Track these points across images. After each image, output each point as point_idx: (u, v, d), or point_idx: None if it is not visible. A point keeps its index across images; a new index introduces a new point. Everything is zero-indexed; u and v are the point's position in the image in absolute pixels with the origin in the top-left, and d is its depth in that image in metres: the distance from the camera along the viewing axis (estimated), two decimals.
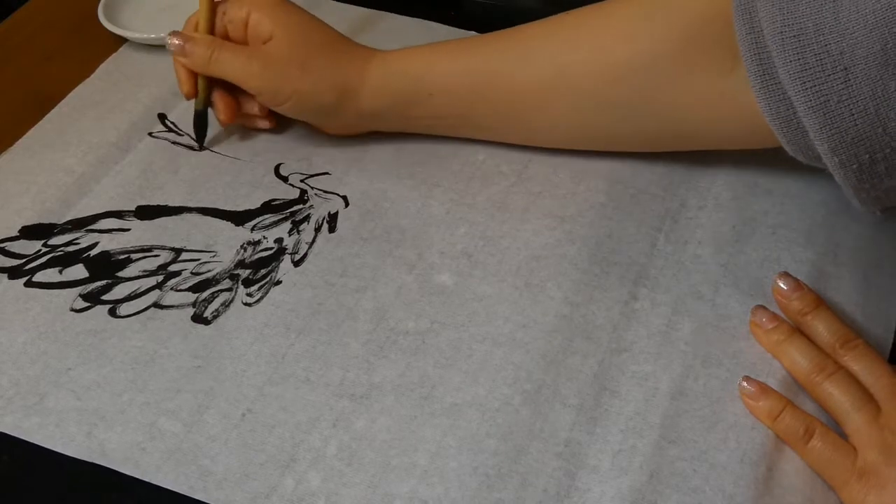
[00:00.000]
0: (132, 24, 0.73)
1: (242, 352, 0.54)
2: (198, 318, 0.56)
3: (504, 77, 0.59)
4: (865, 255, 0.58)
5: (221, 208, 0.62)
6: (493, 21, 0.66)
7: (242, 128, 0.67)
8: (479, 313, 0.56)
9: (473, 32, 0.73)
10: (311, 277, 0.58)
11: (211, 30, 0.62)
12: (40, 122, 0.67)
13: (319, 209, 0.61)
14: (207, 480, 0.49)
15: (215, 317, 0.56)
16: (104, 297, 0.57)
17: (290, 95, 0.60)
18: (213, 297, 0.57)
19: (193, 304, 0.56)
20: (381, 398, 0.52)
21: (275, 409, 0.51)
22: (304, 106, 0.61)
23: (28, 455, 0.50)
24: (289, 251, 0.59)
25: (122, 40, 0.73)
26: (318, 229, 0.60)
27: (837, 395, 0.49)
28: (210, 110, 0.65)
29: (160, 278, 0.58)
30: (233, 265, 0.58)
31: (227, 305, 0.56)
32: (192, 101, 0.64)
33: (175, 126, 0.67)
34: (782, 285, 0.54)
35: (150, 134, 0.66)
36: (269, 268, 0.58)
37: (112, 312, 0.56)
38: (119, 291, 0.57)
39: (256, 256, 0.59)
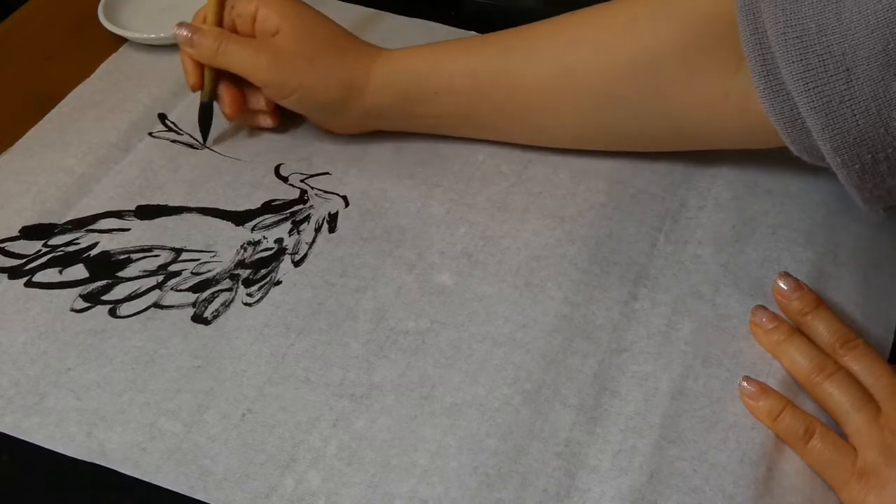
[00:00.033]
0: (132, 24, 0.73)
1: (242, 352, 0.54)
2: (198, 318, 0.56)
3: (509, 76, 0.59)
4: (865, 255, 0.58)
5: (222, 208, 0.61)
6: (493, 21, 0.66)
7: (243, 128, 0.67)
8: (479, 313, 0.56)
9: (473, 32, 0.73)
10: (311, 277, 0.58)
11: (219, 23, 0.62)
12: (40, 122, 0.67)
13: (319, 209, 0.61)
14: (207, 480, 0.49)
15: (215, 317, 0.56)
16: (104, 298, 0.57)
17: (296, 88, 0.60)
18: (214, 297, 0.57)
19: (193, 304, 0.56)
20: (381, 398, 0.52)
21: (275, 409, 0.51)
22: (309, 100, 0.61)
23: (28, 455, 0.50)
24: (289, 251, 0.59)
25: (122, 40, 0.73)
26: (318, 229, 0.60)
27: (837, 395, 0.49)
28: (215, 105, 0.64)
29: (160, 278, 0.58)
30: (233, 265, 0.58)
31: (228, 305, 0.56)
32: (195, 99, 0.64)
33: (175, 126, 0.67)
34: (782, 285, 0.54)
35: (150, 134, 0.66)
36: (270, 268, 0.58)
37: (112, 312, 0.56)
38: (119, 291, 0.57)
39: (256, 256, 0.59)
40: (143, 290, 0.57)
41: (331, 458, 0.49)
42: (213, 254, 0.59)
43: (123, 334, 0.55)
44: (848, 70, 0.45)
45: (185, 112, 0.66)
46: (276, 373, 0.53)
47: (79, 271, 0.58)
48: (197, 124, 0.65)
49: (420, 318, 0.55)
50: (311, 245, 0.59)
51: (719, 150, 0.62)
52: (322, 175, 0.64)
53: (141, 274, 0.58)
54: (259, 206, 0.62)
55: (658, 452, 0.49)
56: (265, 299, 0.56)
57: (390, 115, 0.63)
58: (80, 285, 0.57)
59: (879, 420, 0.48)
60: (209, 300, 0.56)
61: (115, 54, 0.73)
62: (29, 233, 0.60)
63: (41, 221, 0.61)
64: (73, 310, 0.56)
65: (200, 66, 0.62)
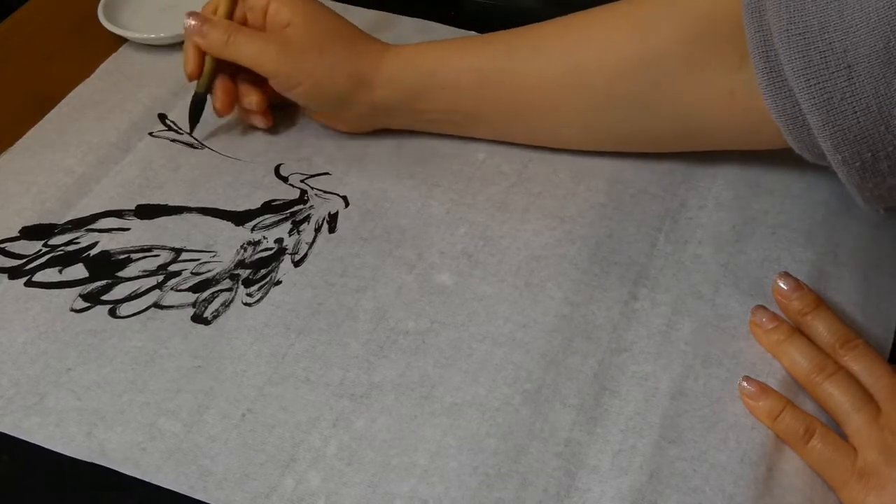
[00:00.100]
0: (132, 24, 0.73)
1: (242, 352, 0.54)
2: (198, 318, 0.56)
3: (514, 75, 0.60)
4: (865, 255, 0.58)
5: (221, 208, 0.61)
6: (493, 21, 0.66)
7: (243, 128, 0.67)
8: (479, 313, 0.56)
9: (473, 32, 0.73)
10: (311, 277, 0.57)
11: (230, 16, 0.62)
12: (40, 122, 0.67)
13: (319, 209, 0.61)
14: (207, 480, 0.49)
15: (215, 317, 0.56)
16: (104, 297, 0.57)
17: (304, 79, 0.60)
18: (214, 297, 0.57)
19: (193, 304, 0.56)
20: (381, 398, 0.52)
21: (275, 409, 0.51)
22: (317, 92, 0.61)
23: (28, 455, 0.50)
24: (289, 251, 0.59)
25: (122, 40, 0.73)
26: (318, 229, 0.60)
27: (837, 395, 0.49)
28: (209, 99, 0.64)
29: (160, 278, 0.58)
30: (233, 265, 0.58)
31: (227, 305, 0.56)
32: (192, 91, 0.64)
33: (175, 125, 0.67)
34: (782, 285, 0.54)
35: (150, 134, 0.66)
36: (270, 268, 0.58)
37: (112, 312, 0.56)
38: (119, 291, 0.57)
39: (256, 256, 0.59)
40: (142, 290, 0.57)
41: (331, 458, 0.49)
42: (213, 254, 0.59)
43: (123, 334, 0.55)
44: (849, 67, 0.45)
45: (186, 112, 0.66)
46: (276, 373, 0.53)
47: (79, 271, 0.58)
48: (187, 114, 0.65)
49: (420, 318, 0.55)
50: (311, 245, 0.59)
51: (720, 151, 0.62)
52: (322, 175, 0.64)
53: (141, 274, 0.58)
54: (259, 206, 0.62)
55: (658, 452, 0.49)
56: (265, 299, 0.56)
57: (396, 111, 0.63)
58: (80, 285, 0.57)
59: (879, 420, 0.48)
60: (209, 300, 0.56)
61: (115, 54, 0.73)
62: (29, 233, 0.60)
63: (41, 221, 0.61)
64: (73, 310, 0.56)
65: (201, 57, 0.63)
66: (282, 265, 0.58)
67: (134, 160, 0.64)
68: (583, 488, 0.48)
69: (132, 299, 0.57)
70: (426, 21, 0.75)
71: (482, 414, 0.51)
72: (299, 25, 0.60)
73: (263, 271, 0.58)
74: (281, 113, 0.66)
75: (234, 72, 0.63)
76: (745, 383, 0.51)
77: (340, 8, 0.76)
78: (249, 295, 0.57)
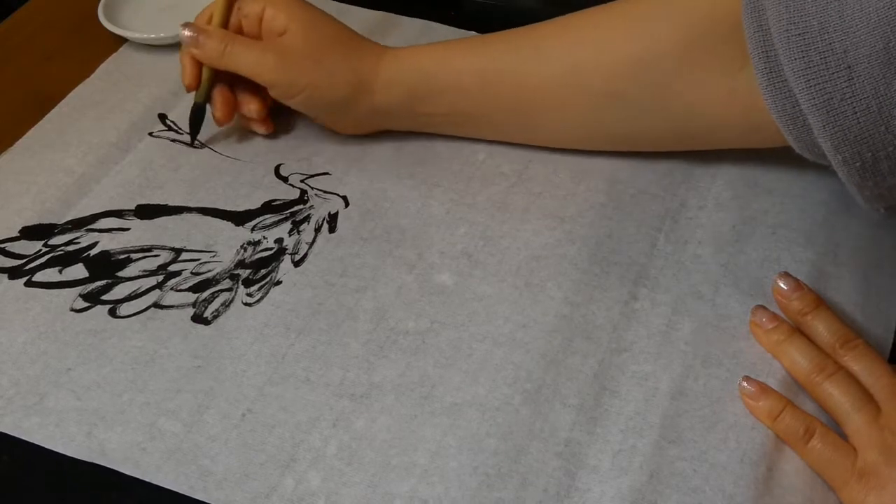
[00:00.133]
0: (132, 24, 0.73)
1: (242, 352, 0.54)
2: (198, 318, 0.56)
3: (516, 75, 0.60)
4: (865, 255, 0.58)
5: (221, 208, 0.61)
6: (493, 21, 0.66)
7: (242, 129, 0.67)
8: (479, 313, 0.56)
9: (473, 32, 0.73)
10: (311, 277, 0.57)
11: (225, 25, 0.62)
12: (40, 122, 0.67)
13: (319, 209, 0.61)
14: (207, 480, 0.49)
15: (215, 317, 0.56)
16: (104, 297, 0.57)
17: (303, 88, 0.60)
18: (214, 297, 0.57)
19: (193, 304, 0.56)
20: (381, 398, 0.52)
21: (275, 409, 0.51)
22: (317, 99, 0.61)
23: (28, 455, 0.50)
24: (289, 251, 0.59)
25: (122, 40, 0.73)
26: (318, 229, 0.60)
27: (837, 395, 0.49)
28: (207, 107, 0.64)
29: (160, 278, 0.58)
30: (233, 265, 0.58)
31: (227, 305, 0.56)
32: (191, 97, 0.64)
33: (175, 125, 0.67)
34: (782, 285, 0.54)
35: (150, 134, 0.66)
36: (270, 268, 0.58)
37: (112, 312, 0.56)
38: (119, 291, 0.57)
39: (256, 256, 0.59)
40: (142, 289, 0.57)
41: (331, 458, 0.49)
42: (213, 254, 0.59)
43: (123, 334, 0.55)
44: (849, 67, 0.45)
45: (185, 112, 0.66)
46: (276, 373, 0.53)
47: (79, 271, 0.58)
48: (188, 124, 0.65)
49: (420, 318, 0.55)
50: (311, 245, 0.59)
51: (720, 150, 0.62)
52: (322, 175, 0.64)
53: (141, 274, 0.58)
54: (259, 206, 0.62)
55: (658, 452, 0.49)
56: (265, 299, 0.56)
57: (397, 114, 0.63)
58: (80, 285, 0.57)
59: (879, 420, 0.48)
60: (209, 300, 0.56)
61: (115, 54, 0.73)
62: (29, 233, 0.60)
63: (41, 221, 0.61)
64: (73, 310, 0.56)
65: (198, 67, 0.62)
66: (282, 265, 0.58)
67: (134, 160, 0.64)
68: (583, 488, 0.48)
69: (132, 299, 0.57)
70: (426, 21, 0.75)
71: (482, 414, 0.51)
72: (296, 33, 0.60)
73: (263, 271, 0.58)
74: (281, 113, 0.66)
75: (233, 80, 0.63)
76: (745, 383, 0.51)
77: (339, 8, 0.76)
78: (249, 295, 0.57)
